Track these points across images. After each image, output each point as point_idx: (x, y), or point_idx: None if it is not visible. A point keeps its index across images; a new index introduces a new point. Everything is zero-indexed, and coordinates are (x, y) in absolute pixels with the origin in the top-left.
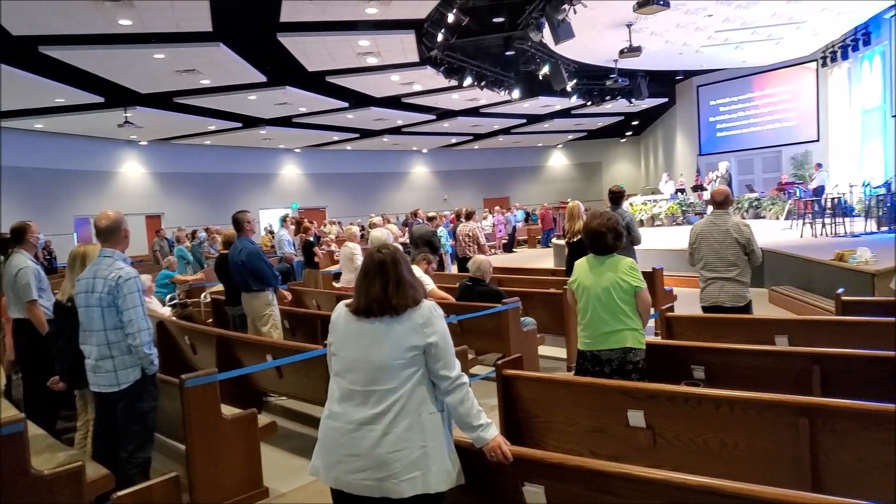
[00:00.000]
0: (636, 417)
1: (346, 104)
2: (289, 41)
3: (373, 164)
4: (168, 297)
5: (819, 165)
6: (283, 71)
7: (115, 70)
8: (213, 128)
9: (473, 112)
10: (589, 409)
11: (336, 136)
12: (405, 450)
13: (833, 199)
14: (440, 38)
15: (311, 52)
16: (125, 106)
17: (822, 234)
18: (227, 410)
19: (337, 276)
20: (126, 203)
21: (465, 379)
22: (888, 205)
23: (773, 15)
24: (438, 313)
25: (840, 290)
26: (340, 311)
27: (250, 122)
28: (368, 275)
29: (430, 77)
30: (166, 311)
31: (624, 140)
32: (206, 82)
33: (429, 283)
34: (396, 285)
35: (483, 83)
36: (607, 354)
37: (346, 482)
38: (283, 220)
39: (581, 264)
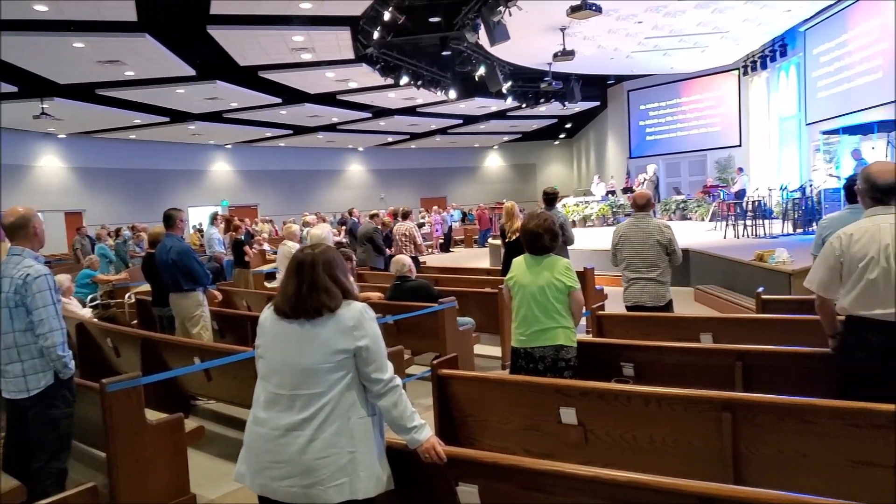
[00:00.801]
0: (568, 415)
1: (279, 100)
2: (219, 34)
3: (307, 161)
4: (89, 297)
5: (740, 170)
6: (214, 64)
7: (31, 58)
8: (138, 122)
9: (410, 111)
10: (522, 407)
11: (269, 133)
12: (333, 456)
13: (754, 202)
14: (376, 35)
15: (242, 46)
16: (42, 96)
17: (743, 236)
18: (152, 415)
19: (269, 275)
20: (44, 199)
21: (398, 381)
22: (803, 208)
23: (699, 24)
24: (370, 315)
25: (760, 289)
26: (267, 313)
27: (178, 116)
28: (287, 275)
29: (366, 75)
30: (87, 313)
31: (557, 142)
32: (130, 74)
33: None
34: (310, 288)
35: (419, 82)
36: (540, 352)
37: (272, 489)
38: (213, 218)
39: (518, 262)
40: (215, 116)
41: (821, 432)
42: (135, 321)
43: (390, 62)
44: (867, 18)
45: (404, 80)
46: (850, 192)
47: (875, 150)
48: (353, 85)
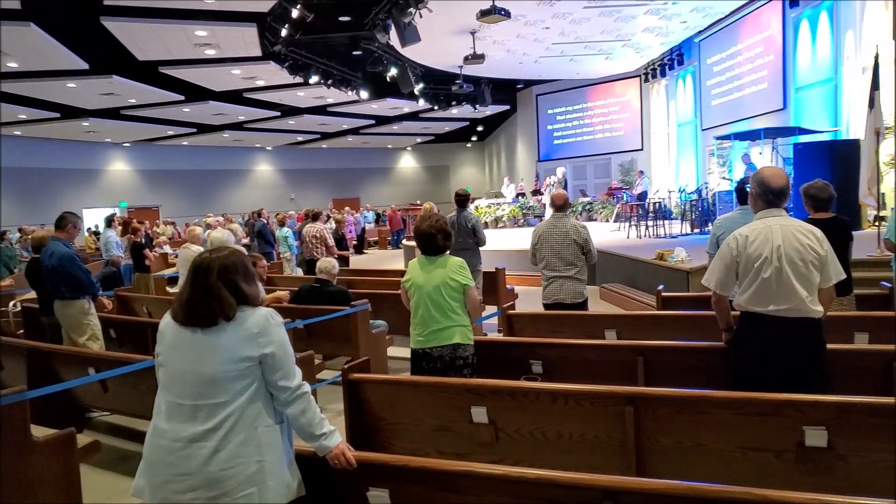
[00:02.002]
0: (479, 414)
1: (181, 97)
2: (115, 26)
3: (212, 160)
4: None
5: (641, 172)
6: (109, 58)
7: None
8: (24, 117)
9: (320, 110)
10: (434, 408)
11: (171, 131)
12: (239, 465)
13: (654, 203)
14: (284, 32)
15: (141, 39)
16: None
17: (645, 236)
18: (40, 432)
19: (172, 280)
20: None
21: (307, 388)
22: (699, 209)
23: (603, 31)
24: (276, 321)
25: (660, 287)
26: (168, 320)
27: (70, 112)
28: (185, 281)
29: (274, 73)
30: None
31: (470, 145)
32: (14, 66)
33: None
34: (204, 294)
35: (330, 82)
36: (438, 351)
37: (174, 503)
38: (109, 220)
39: (414, 264)
40: (112, 113)
41: (714, 422)
42: (21, 331)
43: (299, 60)
44: (754, 32)
45: (314, 78)
46: (741, 194)
47: (762, 156)
48: (260, 83)
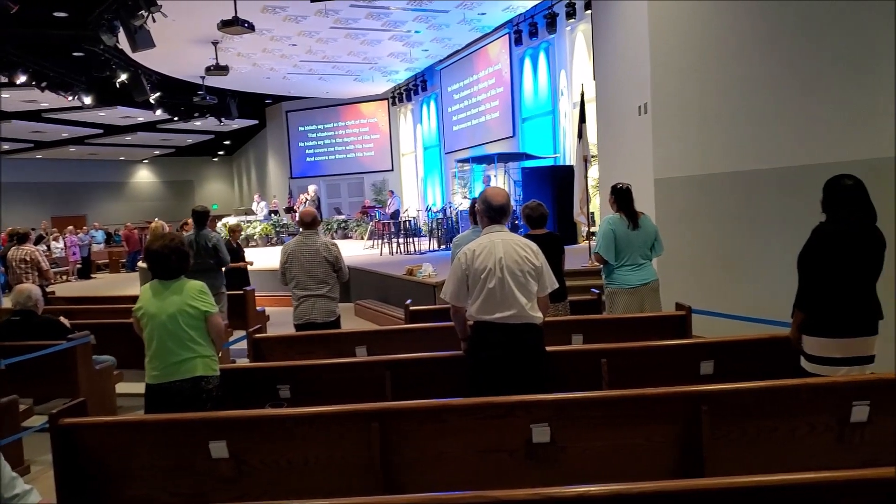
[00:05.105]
0: (219, 449)
1: None
2: None
3: None
4: None
5: (392, 192)
6: None
7: None
8: None
9: (34, 116)
10: (167, 448)
11: None
12: None
13: (405, 221)
14: None
15: None
16: None
17: (397, 252)
18: None
19: None
20: None
21: None
22: (445, 227)
23: (350, 53)
24: None
25: (408, 301)
26: None
27: None
28: None
29: None
30: None
31: (217, 159)
32: None
33: None
34: None
35: (44, 84)
36: (178, 386)
37: None
38: None
39: (146, 290)
40: None
41: (454, 429)
42: None
43: (3, 57)
44: (487, 66)
45: (22, 79)
46: (474, 212)
47: (496, 178)
48: None
